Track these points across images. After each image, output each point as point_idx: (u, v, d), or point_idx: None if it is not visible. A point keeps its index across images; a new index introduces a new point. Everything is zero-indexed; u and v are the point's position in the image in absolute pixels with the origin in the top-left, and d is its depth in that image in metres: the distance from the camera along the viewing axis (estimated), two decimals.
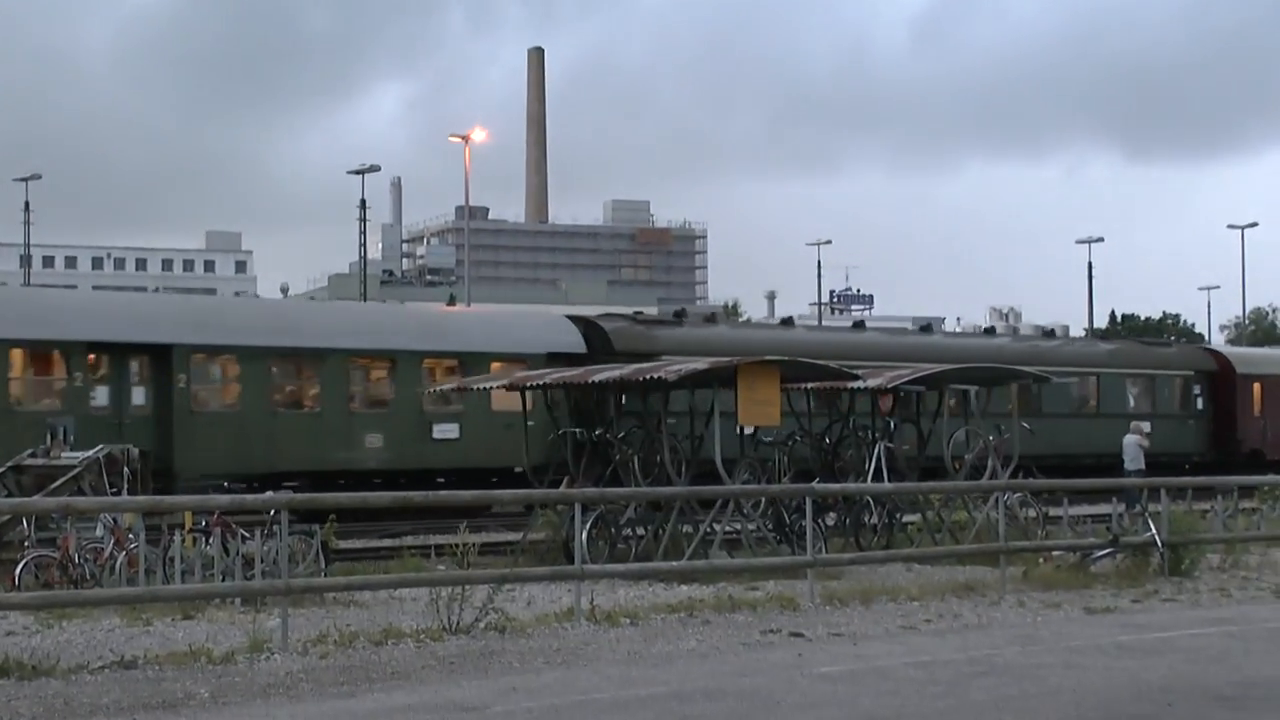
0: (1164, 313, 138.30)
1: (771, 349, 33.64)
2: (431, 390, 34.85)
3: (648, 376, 24.07)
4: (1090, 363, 50.06)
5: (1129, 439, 36.79)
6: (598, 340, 39.03)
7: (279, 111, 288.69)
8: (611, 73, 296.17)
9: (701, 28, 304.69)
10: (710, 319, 51.42)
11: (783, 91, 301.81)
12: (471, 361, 36.46)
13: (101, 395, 32.41)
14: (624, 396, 26.46)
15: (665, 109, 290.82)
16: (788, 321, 50.86)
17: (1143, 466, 35.90)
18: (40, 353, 32.31)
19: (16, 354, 31.92)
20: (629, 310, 57.34)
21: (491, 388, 28.65)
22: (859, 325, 54.20)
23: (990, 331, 66.39)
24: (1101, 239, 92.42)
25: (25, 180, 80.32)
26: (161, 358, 32.69)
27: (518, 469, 30.30)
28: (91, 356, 32.48)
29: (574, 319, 40.79)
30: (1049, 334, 61.59)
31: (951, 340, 53.72)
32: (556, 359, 35.48)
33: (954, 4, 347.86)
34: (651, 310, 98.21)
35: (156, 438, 31.79)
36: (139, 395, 32.60)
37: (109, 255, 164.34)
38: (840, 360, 29.80)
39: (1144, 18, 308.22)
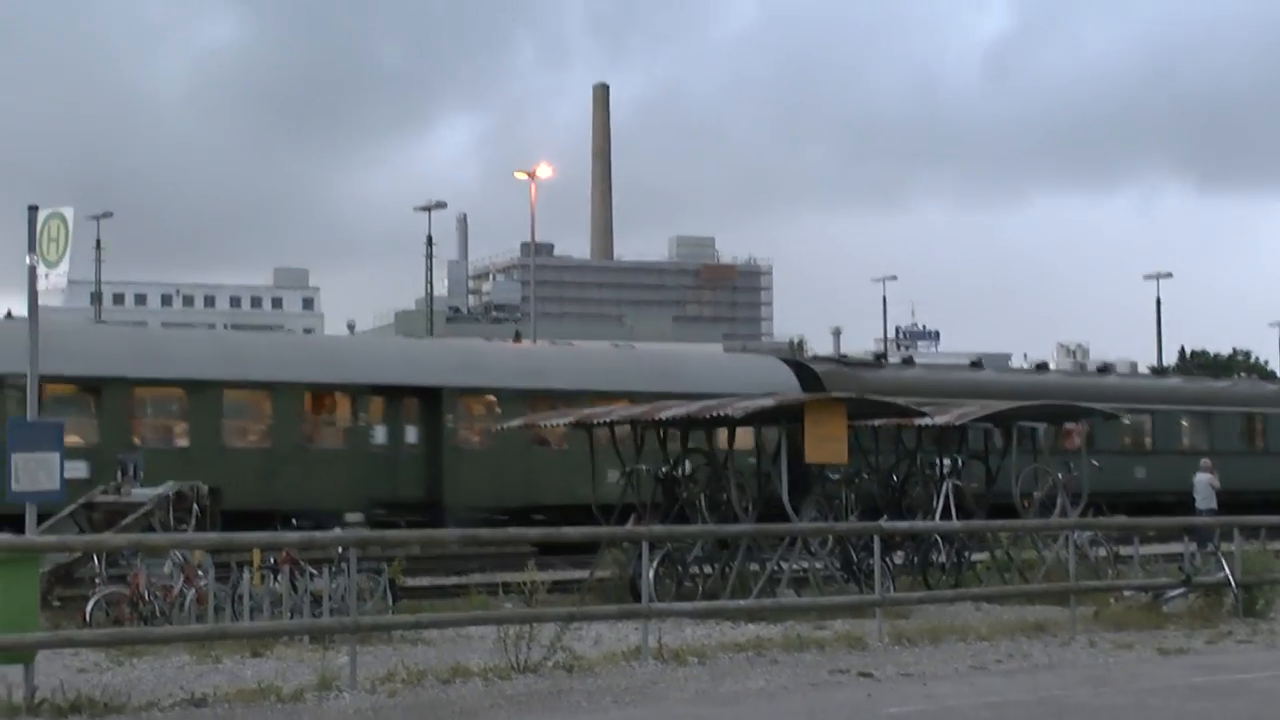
0: (1234, 349, 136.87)
1: (963, 390, 37.79)
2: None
3: (715, 414, 24.03)
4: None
5: (1200, 477, 36.44)
6: (809, 381, 40.79)
7: (347, 148, 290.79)
8: (681, 108, 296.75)
9: (772, 62, 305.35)
10: (907, 362, 54.25)
11: (852, 126, 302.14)
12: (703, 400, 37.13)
13: (380, 434, 34.72)
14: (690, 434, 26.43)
15: (734, 144, 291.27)
16: (977, 364, 54.11)
17: (1215, 505, 35.55)
18: (325, 394, 34.51)
19: (307, 396, 34.24)
20: (716, 343, 58.36)
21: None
22: (1042, 367, 59.03)
23: (1160, 372, 67.70)
24: (1170, 274, 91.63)
25: (97, 218, 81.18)
26: (431, 399, 34.71)
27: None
28: (371, 399, 34.84)
29: (785, 361, 43.52)
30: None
31: (1124, 382, 53.89)
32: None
33: (1026, 37, 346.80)
34: (717, 346, 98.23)
35: (427, 474, 34.57)
36: (411, 434, 34.67)
37: (178, 292, 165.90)
38: (1024, 400, 31.33)
39: (1218, 48, 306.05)
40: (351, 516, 32.82)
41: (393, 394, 34.98)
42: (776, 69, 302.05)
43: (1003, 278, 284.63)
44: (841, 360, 46.58)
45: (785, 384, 39.78)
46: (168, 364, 33.27)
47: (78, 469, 29.26)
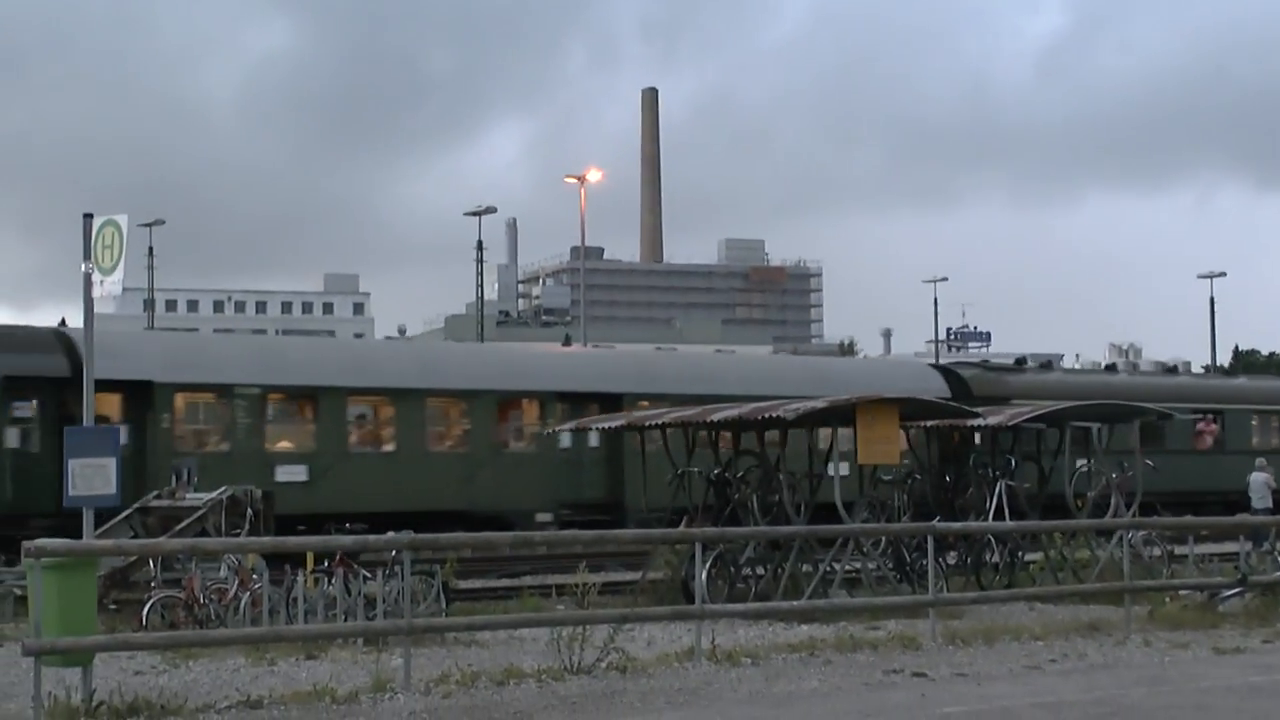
0: None
1: (1098, 392, 39.65)
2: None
3: (765, 415, 24.01)
4: None
5: (1256, 476, 36.18)
6: (957, 385, 42.42)
7: (398, 154, 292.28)
8: (731, 111, 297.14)
9: (823, 65, 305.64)
10: (1046, 366, 54.54)
11: (903, 127, 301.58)
12: None
13: (566, 438, 35.74)
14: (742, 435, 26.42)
15: (784, 147, 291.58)
16: (1111, 368, 57.40)
17: (1270, 504, 35.30)
18: (514, 401, 36.14)
19: (500, 403, 36.06)
20: (770, 347, 59.26)
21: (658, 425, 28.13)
22: (1171, 370, 59.61)
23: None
24: (1224, 274, 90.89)
25: (149, 226, 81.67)
26: (613, 405, 35.63)
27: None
28: (558, 405, 36.38)
29: (934, 367, 45.51)
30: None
31: (1250, 385, 53.96)
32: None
33: (1078, 37, 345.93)
34: (767, 348, 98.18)
35: (609, 475, 36.19)
36: (594, 438, 35.59)
37: (229, 298, 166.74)
38: (1158, 403, 32.77)
39: (1275, 45, 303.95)
40: (542, 516, 34.81)
41: (577, 400, 36.36)
42: (827, 71, 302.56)
43: (1055, 278, 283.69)
44: (985, 365, 48.05)
45: (937, 388, 41.13)
46: (376, 375, 35.28)
47: (297, 473, 32.45)
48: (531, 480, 35.22)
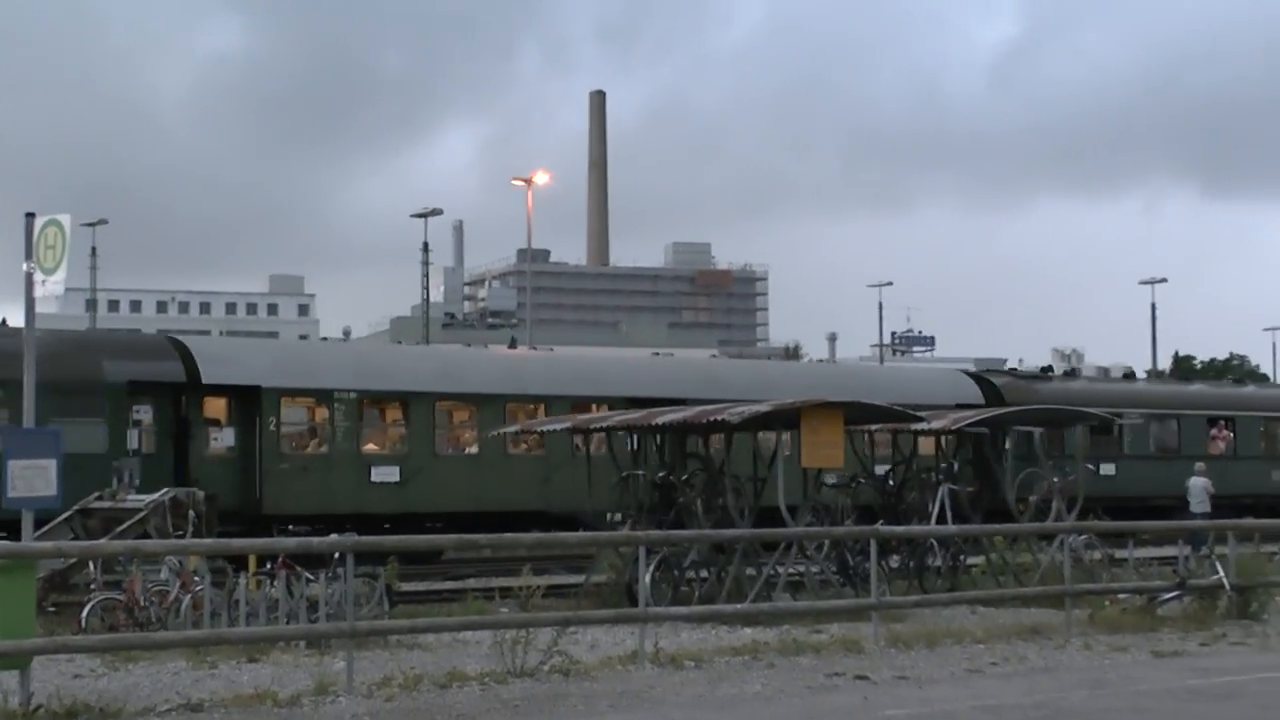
0: (1230, 354, 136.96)
1: (1122, 400, 43.25)
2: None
3: (711, 419, 24.07)
4: None
5: (1195, 481, 36.51)
6: (990, 392, 44.36)
7: (348, 154, 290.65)
8: (686, 115, 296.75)
9: (777, 70, 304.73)
10: (1070, 374, 56.65)
11: (857, 133, 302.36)
12: None
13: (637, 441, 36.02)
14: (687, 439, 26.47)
15: (737, 151, 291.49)
16: (1130, 375, 59.36)
17: (1209, 509, 35.62)
18: (586, 407, 36.93)
19: (574, 408, 36.76)
20: (710, 351, 59.95)
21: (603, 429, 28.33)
22: (1186, 379, 66.33)
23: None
24: (1165, 280, 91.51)
25: (92, 225, 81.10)
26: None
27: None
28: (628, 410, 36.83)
29: (968, 374, 47.47)
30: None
31: (1261, 392, 55.92)
32: (964, 408, 40.14)
33: (1031, 45, 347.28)
34: (712, 352, 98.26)
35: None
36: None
37: (173, 299, 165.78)
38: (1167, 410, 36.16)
39: (1224, 56, 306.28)
40: (616, 517, 34.82)
41: (646, 405, 36.21)
42: (782, 77, 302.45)
43: (1002, 283, 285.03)
44: (1014, 374, 49.95)
45: (971, 395, 43.73)
46: (461, 381, 36.76)
47: (391, 474, 33.91)
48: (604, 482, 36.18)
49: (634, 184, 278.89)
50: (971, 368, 55.68)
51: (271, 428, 32.87)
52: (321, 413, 34.33)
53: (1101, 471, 28.82)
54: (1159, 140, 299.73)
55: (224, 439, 32.89)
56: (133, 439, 31.54)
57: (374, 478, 33.73)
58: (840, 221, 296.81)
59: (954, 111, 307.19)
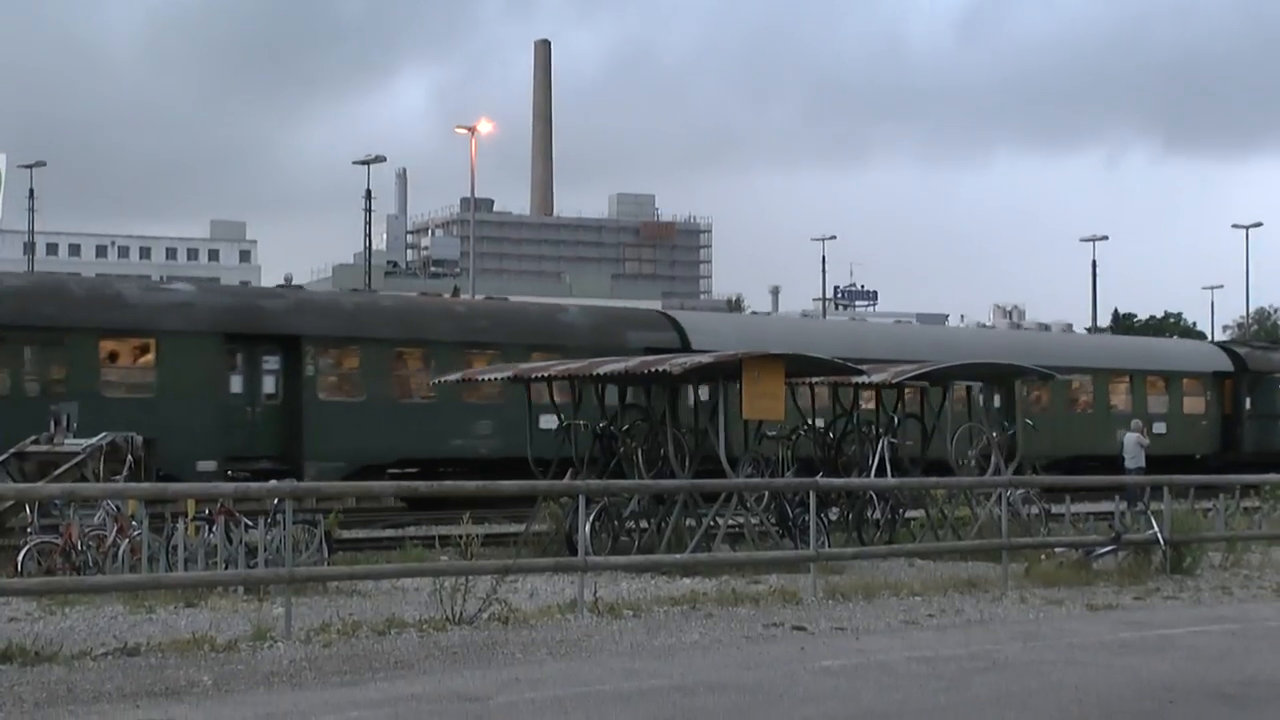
0: (1166, 312, 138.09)
1: None
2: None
3: (653, 370, 24.07)
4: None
5: (1129, 437, 36.80)
6: (1236, 361, 51.16)
7: (298, 98, 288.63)
8: (648, 64, 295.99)
9: (743, 19, 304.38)
10: None
11: (820, 84, 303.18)
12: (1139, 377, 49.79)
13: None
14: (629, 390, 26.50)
15: (699, 101, 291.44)
16: None
17: (1143, 464, 35.93)
18: None
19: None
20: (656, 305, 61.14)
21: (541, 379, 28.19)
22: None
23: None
24: (1106, 237, 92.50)
25: (29, 167, 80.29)
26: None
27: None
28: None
29: (1217, 345, 53.85)
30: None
31: None
32: (1220, 375, 48.56)
33: None
34: (656, 304, 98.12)
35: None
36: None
37: (113, 243, 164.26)
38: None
39: (1193, 7, 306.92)
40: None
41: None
42: (748, 25, 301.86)
43: (950, 238, 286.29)
44: (1252, 345, 56.26)
45: (1221, 363, 50.28)
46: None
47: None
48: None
49: (590, 134, 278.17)
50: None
51: None
52: None
53: None
54: (1123, 95, 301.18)
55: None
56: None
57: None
58: (795, 174, 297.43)
59: (918, 64, 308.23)
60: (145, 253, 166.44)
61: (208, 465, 32.89)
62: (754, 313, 71.10)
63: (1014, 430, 28.43)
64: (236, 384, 34.94)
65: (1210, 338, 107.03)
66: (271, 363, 35.20)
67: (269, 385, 35.25)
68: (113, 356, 34.06)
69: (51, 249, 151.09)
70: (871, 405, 28.49)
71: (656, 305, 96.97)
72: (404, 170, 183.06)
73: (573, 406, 26.70)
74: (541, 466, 25.46)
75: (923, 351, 40.07)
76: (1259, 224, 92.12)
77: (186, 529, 19.37)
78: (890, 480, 25.51)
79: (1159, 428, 47.99)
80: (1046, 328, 70.93)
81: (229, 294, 40.56)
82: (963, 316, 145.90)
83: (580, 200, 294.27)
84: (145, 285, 39.58)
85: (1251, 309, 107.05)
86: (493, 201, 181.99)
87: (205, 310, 35.13)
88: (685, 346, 38.20)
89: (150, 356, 34.15)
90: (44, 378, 32.95)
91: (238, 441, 34.27)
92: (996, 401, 37.88)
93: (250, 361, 34.89)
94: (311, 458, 34.38)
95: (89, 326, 32.96)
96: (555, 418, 27.06)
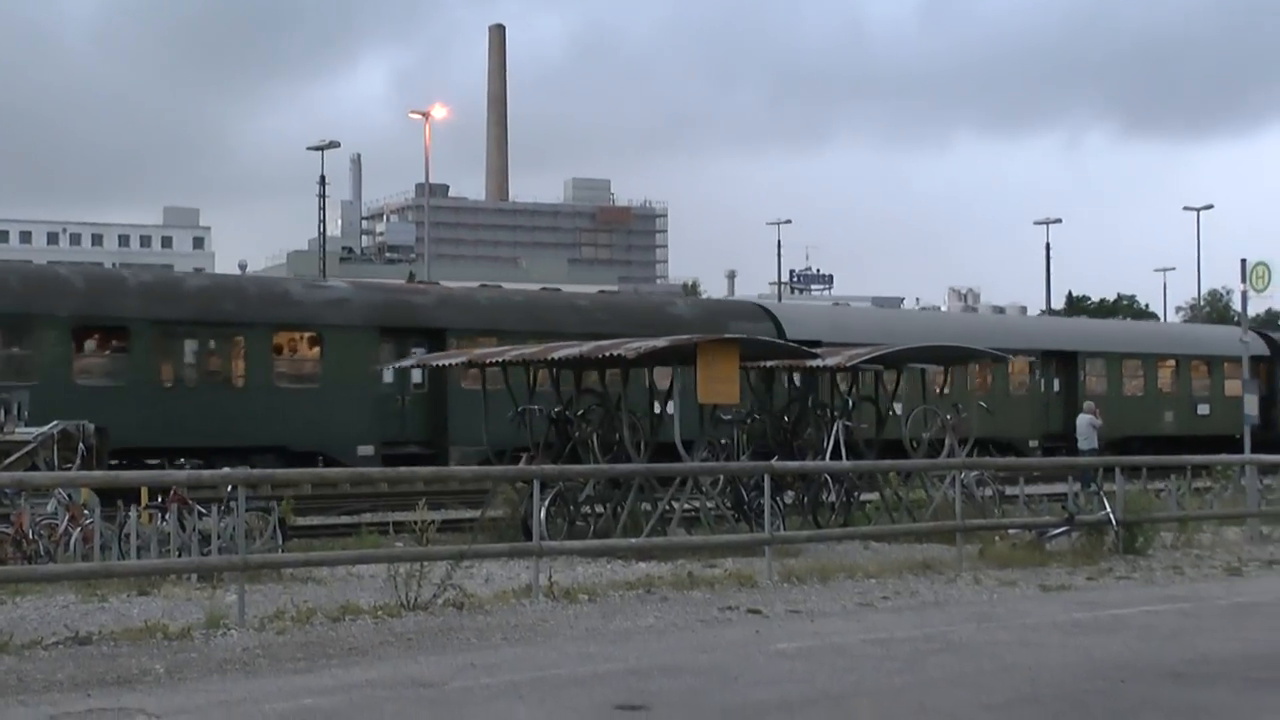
0: (1119, 294, 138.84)
1: None
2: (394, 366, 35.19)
3: (607, 354, 24.05)
4: None
5: (1082, 419, 36.99)
6: (1274, 349, 54.03)
7: (256, 84, 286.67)
8: (613, 47, 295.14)
9: (705, 3, 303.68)
10: None
11: (782, 68, 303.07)
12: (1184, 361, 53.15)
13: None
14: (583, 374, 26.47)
15: (661, 85, 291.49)
16: None
17: (1096, 445, 36.12)
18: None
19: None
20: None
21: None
22: None
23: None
24: (1059, 220, 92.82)
25: None
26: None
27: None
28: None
29: (1256, 332, 51.81)
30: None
31: None
32: (1255, 360, 46.78)
33: None
34: (613, 288, 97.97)
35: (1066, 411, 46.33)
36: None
37: (64, 230, 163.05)
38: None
39: None
40: (1033, 444, 45.91)
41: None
42: (708, 9, 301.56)
43: (910, 222, 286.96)
44: None
45: (1258, 349, 50.30)
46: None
47: None
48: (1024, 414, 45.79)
49: (550, 119, 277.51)
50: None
51: None
52: None
53: None
54: (1084, 77, 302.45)
55: None
56: None
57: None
58: (755, 158, 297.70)
59: (881, 47, 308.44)
60: (97, 239, 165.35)
61: (366, 450, 35.74)
62: (836, 303, 73.00)
63: (968, 412, 28.54)
64: (388, 374, 37.08)
65: (1163, 320, 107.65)
66: (419, 355, 36.17)
67: (416, 375, 37.40)
68: (281, 349, 36.99)
69: (2, 236, 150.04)
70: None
71: (613, 289, 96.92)
72: (358, 156, 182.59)
73: (527, 392, 26.71)
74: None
75: (997, 340, 42.29)
76: (1209, 206, 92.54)
77: (140, 517, 19.26)
78: (845, 463, 25.56)
79: (1203, 409, 51.87)
80: (1001, 310, 71.28)
81: (380, 290, 43.10)
82: (918, 300, 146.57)
83: (539, 185, 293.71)
84: (307, 283, 42.14)
85: (1203, 290, 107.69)
86: (448, 187, 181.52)
87: (362, 306, 38.04)
88: (781, 336, 40.15)
89: (316, 350, 36.93)
90: (225, 369, 35.80)
91: (391, 428, 36.94)
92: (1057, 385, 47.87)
93: (400, 353, 36.59)
94: (455, 443, 36.33)
95: (264, 322, 35.74)
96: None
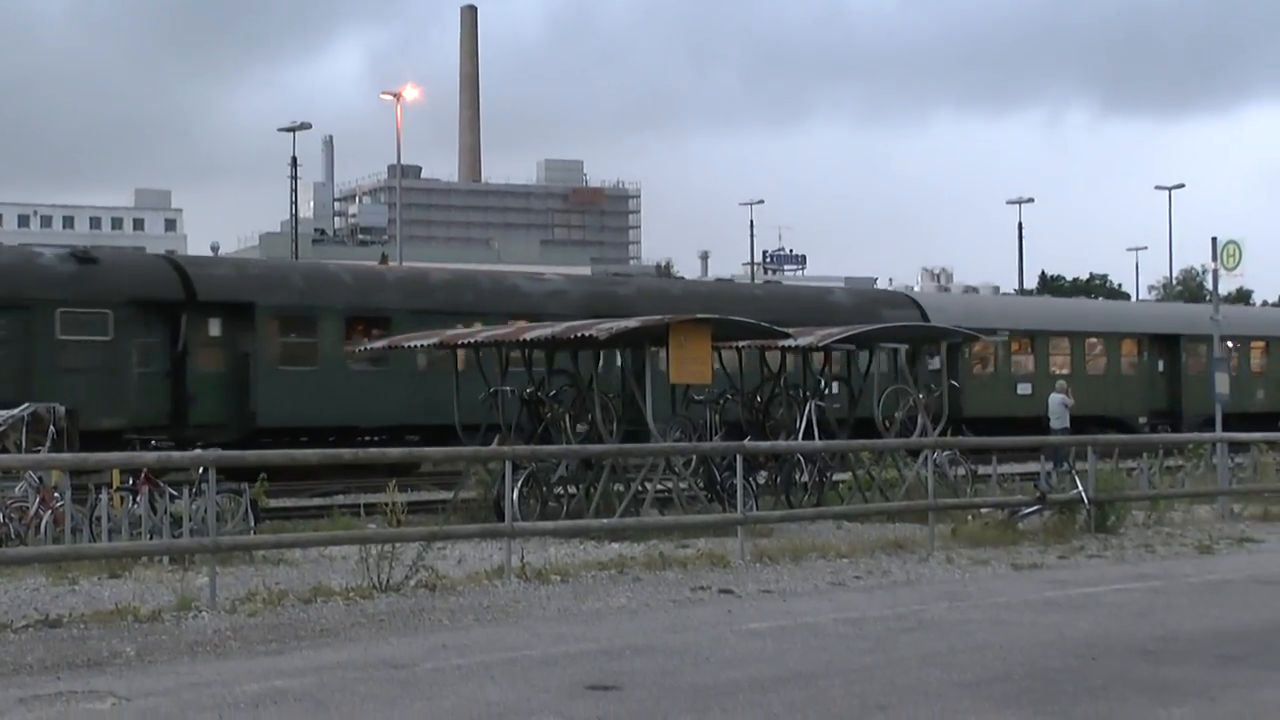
0: (1091, 273, 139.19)
1: None
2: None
3: (579, 335, 24.03)
4: None
5: (1054, 398, 37.08)
6: None
7: (229, 64, 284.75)
8: (591, 26, 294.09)
9: None
10: None
11: (760, 47, 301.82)
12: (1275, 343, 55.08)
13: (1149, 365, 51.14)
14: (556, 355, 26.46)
15: (639, 64, 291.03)
16: None
17: (1068, 425, 36.22)
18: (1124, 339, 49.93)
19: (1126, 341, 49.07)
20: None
21: (454, 345, 28.37)
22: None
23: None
24: (1032, 199, 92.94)
25: None
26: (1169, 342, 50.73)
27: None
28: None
29: None
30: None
31: None
32: None
33: None
34: (585, 270, 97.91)
35: (1169, 389, 50.53)
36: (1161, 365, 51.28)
37: (35, 212, 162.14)
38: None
39: None
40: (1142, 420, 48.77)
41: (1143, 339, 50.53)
42: None
43: (883, 201, 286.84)
44: None
45: None
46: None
47: None
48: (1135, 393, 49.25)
49: (525, 100, 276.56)
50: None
51: None
52: None
53: None
54: (1064, 54, 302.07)
55: None
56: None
57: None
58: (731, 138, 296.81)
59: (860, 25, 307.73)
60: (69, 222, 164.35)
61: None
62: (966, 289, 76.73)
63: (940, 392, 28.59)
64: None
65: (1135, 299, 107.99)
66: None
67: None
68: None
69: None
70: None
71: (586, 271, 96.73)
72: (330, 137, 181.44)
73: (499, 373, 26.67)
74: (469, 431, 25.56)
75: (1112, 325, 49.89)
76: (1180, 186, 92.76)
77: (110, 499, 19.19)
78: (817, 443, 25.59)
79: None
80: (974, 290, 71.43)
81: (586, 282, 45.90)
82: (890, 280, 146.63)
83: (512, 167, 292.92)
84: (529, 276, 44.41)
85: (1175, 270, 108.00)
86: (420, 169, 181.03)
87: (577, 296, 40.18)
88: (925, 321, 42.36)
89: None
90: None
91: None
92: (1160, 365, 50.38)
93: None
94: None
95: (498, 312, 37.03)
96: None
